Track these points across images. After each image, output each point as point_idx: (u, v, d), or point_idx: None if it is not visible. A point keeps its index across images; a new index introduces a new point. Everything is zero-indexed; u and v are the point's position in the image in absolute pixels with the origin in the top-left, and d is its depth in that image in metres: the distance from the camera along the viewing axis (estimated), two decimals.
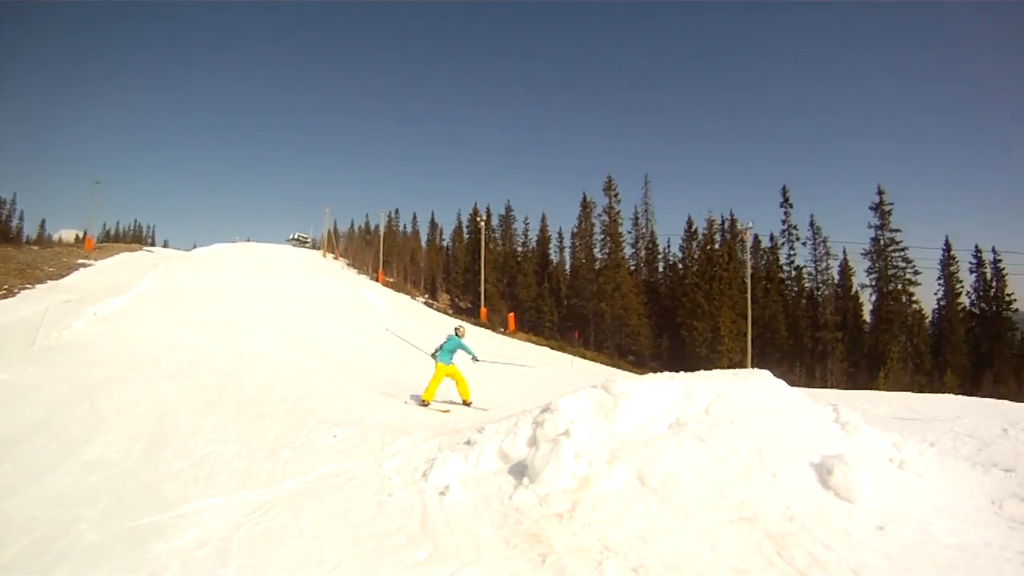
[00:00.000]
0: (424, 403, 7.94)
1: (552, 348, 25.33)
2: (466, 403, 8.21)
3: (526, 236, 50.01)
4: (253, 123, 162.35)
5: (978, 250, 34.16)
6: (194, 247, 53.51)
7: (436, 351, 8.22)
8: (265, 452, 5.17)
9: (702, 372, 4.47)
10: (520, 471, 3.59)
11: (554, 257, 48.51)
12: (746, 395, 3.95)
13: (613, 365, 24.84)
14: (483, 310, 33.94)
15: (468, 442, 4.16)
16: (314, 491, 4.25)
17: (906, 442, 4.36)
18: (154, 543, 3.46)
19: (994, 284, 33.22)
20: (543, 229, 48.94)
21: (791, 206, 36.10)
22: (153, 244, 61.92)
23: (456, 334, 8.47)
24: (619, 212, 39.67)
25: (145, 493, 4.29)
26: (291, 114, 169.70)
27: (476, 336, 23.16)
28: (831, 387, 22.75)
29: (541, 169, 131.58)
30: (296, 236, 62.86)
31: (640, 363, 30.97)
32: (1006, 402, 8.92)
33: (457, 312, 36.77)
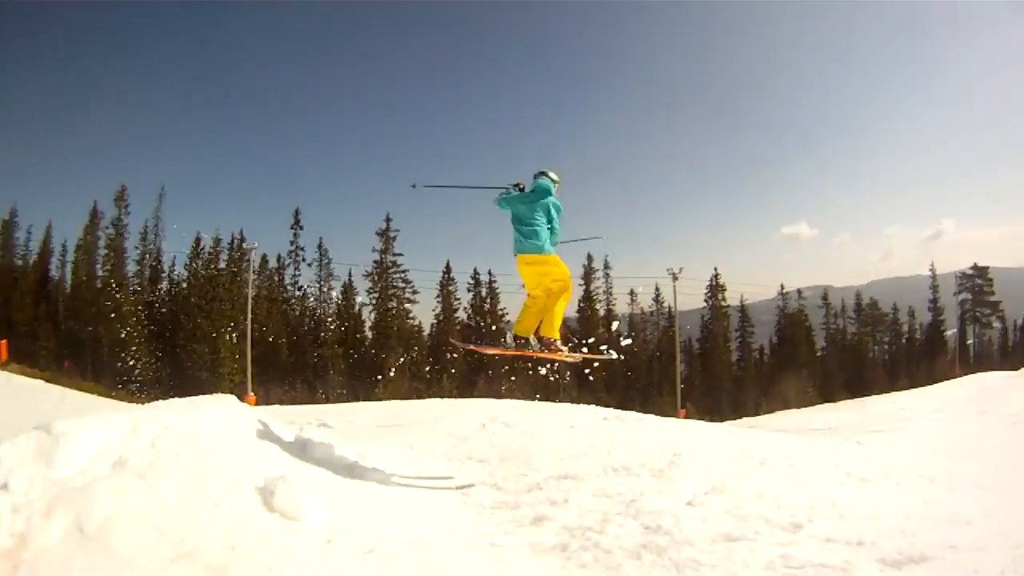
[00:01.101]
0: (522, 341, 4.79)
1: (46, 381, 20.42)
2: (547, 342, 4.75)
3: (27, 247, 38.71)
4: None
5: (476, 272, 40.26)
6: None
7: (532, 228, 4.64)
8: None
9: (157, 403, 4.33)
10: None
11: (56, 274, 38.92)
12: (197, 423, 3.92)
13: (110, 396, 22.48)
14: None
15: None
16: None
17: (377, 449, 5.17)
18: None
19: (488, 301, 39.77)
20: (46, 240, 38.40)
21: (301, 228, 38.18)
22: None
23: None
24: (127, 225, 35.92)
25: None
26: None
27: None
28: (333, 402, 24.29)
29: (51, 170, 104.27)
30: None
31: (141, 391, 29.07)
32: (491, 400, 11.22)
33: None
